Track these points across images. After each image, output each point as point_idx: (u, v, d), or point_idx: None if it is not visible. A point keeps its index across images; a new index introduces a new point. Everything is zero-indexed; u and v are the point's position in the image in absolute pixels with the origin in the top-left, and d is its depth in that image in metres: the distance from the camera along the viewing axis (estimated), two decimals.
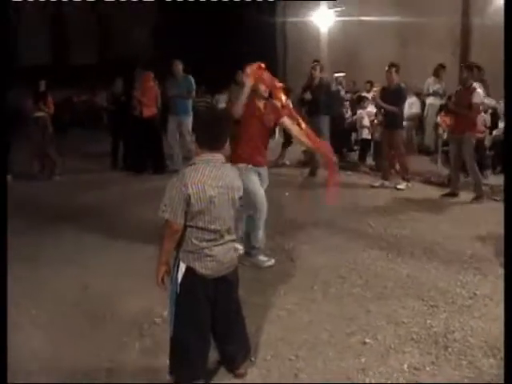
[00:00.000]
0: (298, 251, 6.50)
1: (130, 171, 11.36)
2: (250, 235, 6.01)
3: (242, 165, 5.62)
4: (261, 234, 6.00)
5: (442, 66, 12.70)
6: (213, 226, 3.58)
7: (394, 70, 9.72)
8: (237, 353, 3.96)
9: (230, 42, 17.52)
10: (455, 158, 9.15)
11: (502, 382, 2.38)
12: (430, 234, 7.04)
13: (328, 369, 4.05)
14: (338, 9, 16.72)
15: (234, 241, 3.81)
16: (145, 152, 11.43)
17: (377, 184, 9.85)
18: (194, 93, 11.65)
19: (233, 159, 5.55)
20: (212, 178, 3.56)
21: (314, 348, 4.33)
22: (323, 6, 17.16)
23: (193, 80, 11.48)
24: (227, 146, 3.78)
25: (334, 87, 12.69)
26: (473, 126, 9.05)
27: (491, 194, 9.15)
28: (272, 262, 6.07)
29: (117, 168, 11.96)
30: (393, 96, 9.67)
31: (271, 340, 4.46)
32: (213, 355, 3.94)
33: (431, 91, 12.63)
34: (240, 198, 3.74)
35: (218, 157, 3.67)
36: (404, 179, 9.78)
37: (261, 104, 5.91)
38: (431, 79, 12.69)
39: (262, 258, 6.07)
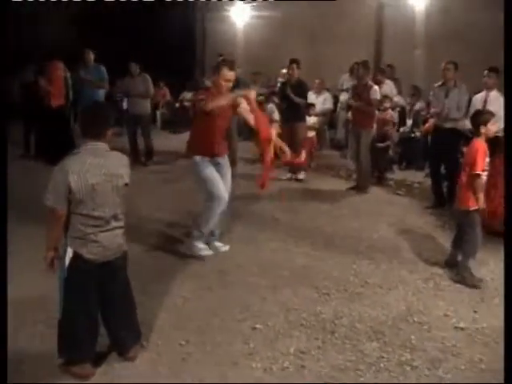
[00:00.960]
0: None
1: (41, 161, 11.12)
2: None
3: (197, 157, 5.80)
4: (215, 220, 5.97)
5: (357, 64, 12.96)
6: (97, 213, 3.62)
7: (295, 65, 9.90)
8: (127, 337, 4.01)
9: (151, 37, 17.33)
10: (355, 151, 9.43)
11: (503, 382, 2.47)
12: (331, 225, 7.22)
13: (216, 353, 4.11)
14: (254, 4, 16.81)
15: (121, 227, 3.85)
16: (54, 142, 11.22)
17: (284, 177, 9.98)
18: (106, 83, 11.53)
19: (190, 151, 5.96)
20: (94, 166, 3.60)
21: (205, 334, 4.39)
22: (239, 1, 17.19)
23: (104, 69, 11.37)
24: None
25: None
26: (371, 121, 9.35)
27: (396, 188, 9.46)
28: (227, 247, 6.23)
29: (29, 157, 11.67)
30: (295, 90, 9.85)
31: (164, 326, 4.50)
32: (105, 339, 3.99)
33: (344, 87, 12.88)
34: (125, 184, 3.77)
35: (102, 145, 3.72)
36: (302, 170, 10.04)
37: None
38: (346, 76, 12.92)
39: (217, 243, 6.21)
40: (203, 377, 3.81)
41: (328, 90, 13.26)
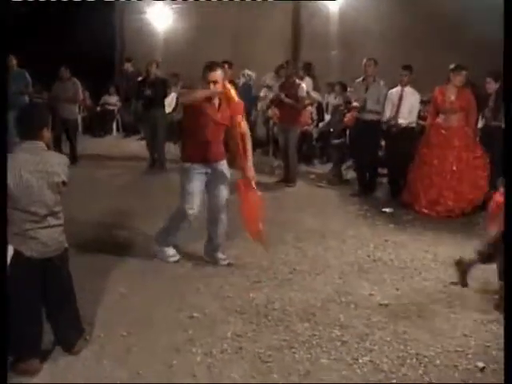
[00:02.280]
0: (133, 237, 6.67)
1: None
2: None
3: (186, 164, 5.56)
4: (178, 233, 5.85)
5: (282, 66, 13.31)
6: (33, 209, 3.72)
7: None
8: (71, 332, 4.11)
9: (70, 39, 17.09)
10: (283, 147, 9.77)
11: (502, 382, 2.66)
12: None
13: (158, 342, 4.28)
14: (174, 6, 16.82)
15: (60, 225, 3.96)
16: None
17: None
18: (30, 87, 11.43)
19: (181, 157, 5.76)
20: (30, 164, 3.71)
21: (145, 325, 4.54)
22: (160, 4, 17.14)
23: (27, 74, 11.28)
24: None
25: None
26: (298, 117, 9.69)
27: (317, 180, 9.87)
28: (228, 261, 5.93)
29: None
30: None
31: (105, 320, 4.60)
32: (50, 336, 4.08)
33: (265, 85, 13.16)
34: (63, 182, 3.89)
35: (39, 144, 3.84)
36: None
37: (214, 102, 5.53)
38: (271, 74, 13.17)
39: (220, 255, 5.94)
40: (148, 365, 3.98)
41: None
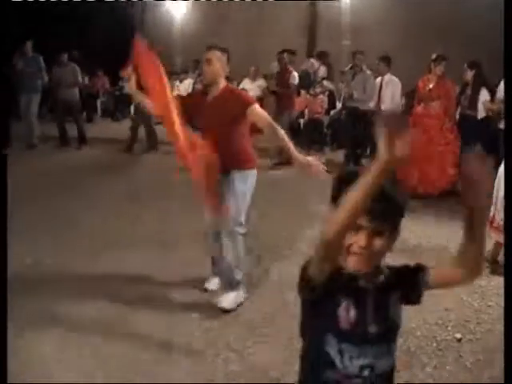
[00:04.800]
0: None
1: None
2: None
3: None
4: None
5: (292, 52, 13.54)
6: None
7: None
8: None
9: (90, 26, 17.43)
10: None
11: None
12: (264, 197, 7.81)
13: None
14: None
15: None
16: None
17: None
18: (44, 73, 11.85)
19: None
20: None
21: None
22: None
23: (41, 60, 11.73)
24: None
25: None
26: (291, 103, 10.17)
27: (327, 167, 10.12)
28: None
29: None
30: None
31: None
32: None
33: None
34: None
35: None
36: None
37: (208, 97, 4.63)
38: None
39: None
40: (150, 329, 4.32)
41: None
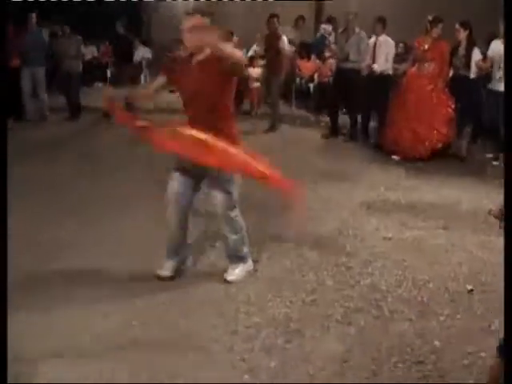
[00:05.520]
0: None
1: None
2: None
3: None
4: None
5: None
6: None
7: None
8: None
9: None
10: (268, 95, 10.91)
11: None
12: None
13: None
14: None
15: None
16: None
17: None
18: (46, 45, 11.94)
19: None
20: None
21: None
22: None
23: (45, 33, 12.06)
24: None
25: None
26: (280, 67, 10.45)
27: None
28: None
29: None
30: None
31: None
32: None
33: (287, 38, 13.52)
34: None
35: None
36: None
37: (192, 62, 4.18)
38: (288, 28, 13.52)
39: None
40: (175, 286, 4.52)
41: None
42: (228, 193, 4.31)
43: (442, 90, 8.32)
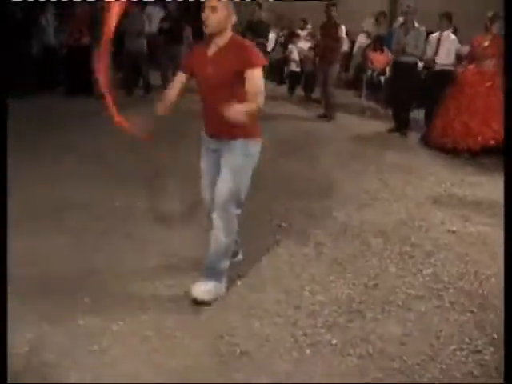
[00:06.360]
0: None
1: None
2: None
3: (202, 132, 4.14)
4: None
5: (383, 13, 13.74)
6: None
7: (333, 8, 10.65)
8: None
9: None
10: (322, 84, 10.81)
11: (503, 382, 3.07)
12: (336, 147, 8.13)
13: (250, 244, 5.00)
14: None
15: None
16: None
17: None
18: (145, 27, 12.29)
19: None
20: None
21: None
22: None
23: (144, 15, 12.56)
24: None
25: None
26: (336, 56, 10.52)
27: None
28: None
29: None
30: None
31: None
32: None
33: (365, 30, 13.59)
34: None
35: None
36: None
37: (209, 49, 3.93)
38: (370, 21, 13.63)
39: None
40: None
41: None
42: (235, 179, 3.89)
43: (499, 87, 8.24)
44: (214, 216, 3.93)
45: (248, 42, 3.89)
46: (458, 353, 3.61)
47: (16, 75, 10.11)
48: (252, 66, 3.71)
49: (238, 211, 4.00)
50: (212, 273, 4.07)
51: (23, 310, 3.79)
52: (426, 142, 8.80)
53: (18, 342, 3.48)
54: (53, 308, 3.90)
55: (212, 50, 3.87)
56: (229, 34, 3.85)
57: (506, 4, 4.94)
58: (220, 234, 3.96)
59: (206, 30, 3.82)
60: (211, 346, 3.58)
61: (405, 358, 3.53)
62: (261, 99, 3.69)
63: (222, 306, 4.03)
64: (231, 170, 3.88)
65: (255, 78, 3.72)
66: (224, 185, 3.87)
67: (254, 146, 3.97)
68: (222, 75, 3.76)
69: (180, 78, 4.07)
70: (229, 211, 3.92)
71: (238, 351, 3.53)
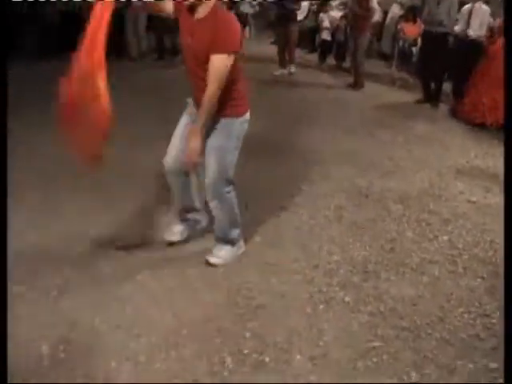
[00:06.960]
0: None
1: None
2: None
3: (189, 98, 3.95)
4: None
5: None
6: None
7: None
8: None
9: None
10: (353, 53, 10.89)
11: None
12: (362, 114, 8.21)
13: (264, 202, 5.15)
14: None
15: None
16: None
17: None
18: None
19: None
20: None
21: (255, 190, 5.43)
22: None
23: None
24: None
25: None
26: (367, 26, 10.51)
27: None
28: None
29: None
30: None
31: None
32: None
33: (398, 1, 13.50)
34: None
35: None
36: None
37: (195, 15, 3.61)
38: None
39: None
40: (257, 217, 4.87)
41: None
42: (219, 160, 3.81)
43: None
44: (208, 197, 3.95)
45: (225, 20, 3.51)
46: (467, 315, 3.73)
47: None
48: (216, 51, 3.46)
49: (229, 188, 3.95)
50: (224, 241, 4.20)
51: (49, 258, 4.03)
52: (455, 114, 8.80)
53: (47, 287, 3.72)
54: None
55: (195, 18, 3.59)
56: (210, 3, 3.52)
57: (506, 4, 4.94)
58: (218, 213, 4.02)
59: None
60: (229, 298, 3.77)
61: (415, 317, 3.66)
62: (215, 86, 3.51)
63: (240, 261, 4.22)
64: (214, 151, 3.78)
65: (215, 64, 3.48)
66: (209, 168, 3.81)
67: (238, 125, 3.83)
68: (197, 50, 3.57)
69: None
70: (220, 191, 3.90)
71: (254, 304, 3.72)
